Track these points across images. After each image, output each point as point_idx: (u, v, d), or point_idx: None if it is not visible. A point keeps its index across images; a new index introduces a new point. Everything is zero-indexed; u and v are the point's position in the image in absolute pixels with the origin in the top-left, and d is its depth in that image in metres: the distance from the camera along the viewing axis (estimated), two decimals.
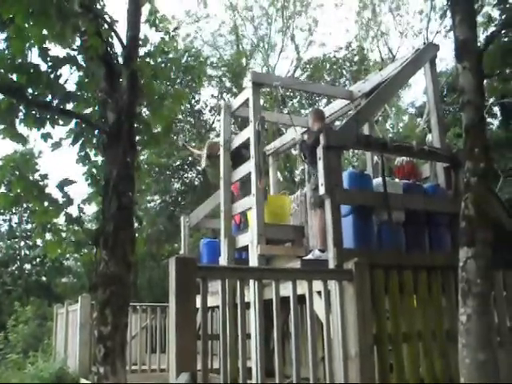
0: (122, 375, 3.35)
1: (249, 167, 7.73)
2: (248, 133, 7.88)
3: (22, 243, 23.57)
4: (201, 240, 10.60)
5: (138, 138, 4.27)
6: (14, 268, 24.02)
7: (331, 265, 5.47)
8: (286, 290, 4.85)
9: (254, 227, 7.23)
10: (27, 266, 24.03)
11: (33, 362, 10.67)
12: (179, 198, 22.89)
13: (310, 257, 6.73)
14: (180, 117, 21.39)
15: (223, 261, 7.96)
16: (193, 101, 21.79)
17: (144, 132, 4.24)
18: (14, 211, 22.80)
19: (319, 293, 5.18)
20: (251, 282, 6.05)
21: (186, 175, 23.40)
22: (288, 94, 19.21)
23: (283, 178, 20.96)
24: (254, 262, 7.10)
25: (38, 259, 22.32)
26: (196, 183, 23.25)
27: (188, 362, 4.12)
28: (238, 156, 8.36)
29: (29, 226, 22.97)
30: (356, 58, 23.19)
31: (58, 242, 3.88)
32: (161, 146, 4.34)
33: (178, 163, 21.99)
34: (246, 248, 7.59)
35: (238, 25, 24.90)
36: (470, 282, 3.78)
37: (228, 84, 22.16)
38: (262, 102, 22.03)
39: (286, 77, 20.22)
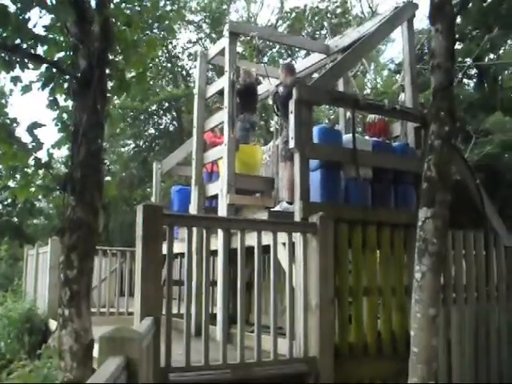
0: (87, 318, 3.44)
1: (222, 116, 7.76)
2: (223, 82, 7.88)
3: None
4: (172, 187, 10.65)
5: (110, 84, 4.25)
6: None
7: (297, 217, 5.58)
8: (252, 240, 4.95)
9: (224, 177, 7.32)
10: None
11: (2, 302, 10.74)
12: (153, 144, 22.78)
13: (277, 208, 6.85)
14: (156, 61, 21.09)
15: (193, 209, 8.06)
16: (170, 46, 21.47)
17: (116, 78, 4.22)
18: None
19: (284, 244, 5.31)
20: (219, 231, 6.21)
21: (160, 121, 23.24)
22: (267, 44, 18.99)
23: (259, 127, 20.95)
24: (222, 210, 7.21)
25: (9, 200, 22.11)
26: (170, 129, 23.11)
27: (152, 306, 4.24)
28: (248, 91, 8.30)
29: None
30: (338, 11, 22.93)
31: (26, 185, 3.90)
32: (132, 92, 4.32)
33: (153, 108, 21.78)
34: (216, 197, 7.69)
35: None
36: (427, 241, 3.92)
37: (207, 30, 21.81)
38: (240, 50, 21.87)
39: (265, 27, 20.00)
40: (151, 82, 21.72)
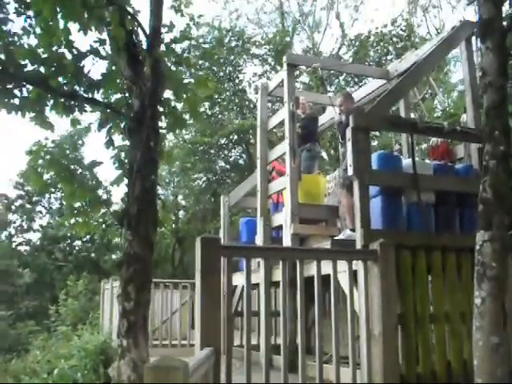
0: (144, 348, 3.54)
1: (283, 147, 7.86)
2: (283, 113, 8.00)
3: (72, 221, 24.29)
4: (241, 219, 10.80)
5: (165, 121, 4.43)
6: (65, 245, 24.84)
7: (358, 245, 5.55)
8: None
9: (287, 206, 7.37)
10: (77, 243, 24.80)
11: (80, 334, 11.14)
12: (223, 177, 23.16)
13: (340, 236, 6.82)
14: (223, 96, 21.55)
15: (259, 239, 8.13)
16: (236, 80, 21.90)
17: (170, 116, 4.39)
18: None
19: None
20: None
21: (230, 153, 23.62)
22: (333, 73, 19.04)
23: (329, 156, 20.91)
24: (287, 241, 7.24)
25: (87, 236, 23.00)
26: (240, 162, 23.45)
27: (212, 337, 4.29)
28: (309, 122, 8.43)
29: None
30: (404, 34, 22.74)
31: (84, 222, 4.09)
32: (185, 127, 4.49)
33: (222, 141, 22.20)
34: (281, 227, 7.73)
35: (283, 1, 24.79)
36: (486, 265, 3.80)
37: (272, 63, 22.15)
38: (307, 80, 22.03)
39: (325, 57, 20.07)
40: (219, 116, 22.22)
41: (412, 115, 9.91)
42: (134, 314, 3.54)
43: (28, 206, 26.37)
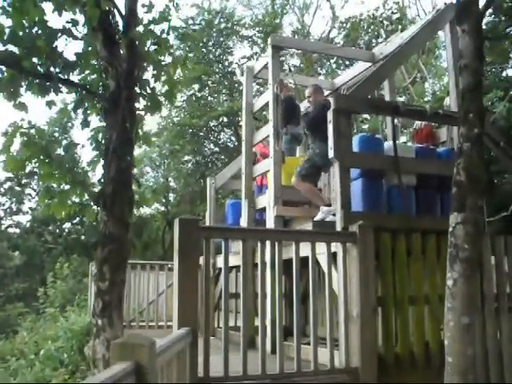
0: (119, 327, 3.58)
1: (267, 129, 7.86)
2: (267, 96, 7.99)
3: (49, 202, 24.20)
4: (227, 201, 10.83)
5: (143, 103, 4.42)
6: (54, 227, 24.82)
7: (338, 227, 5.57)
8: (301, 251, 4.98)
9: (271, 189, 7.39)
10: (67, 225, 24.77)
11: (67, 316, 11.18)
12: (212, 159, 23.14)
13: (319, 215, 6.85)
14: (212, 78, 21.48)
15: (244, 222, 8.16)
16: (226, 62, 21.80)
17: (148, 97, 4.38)
18: None
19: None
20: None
21: (219, 136, 23.58)
22: (323, 55, 18.96)
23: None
24: (270, 223, 7.27)
25: (77, 218, 22.98)
26: (229, 144, 23.40)
27: (189, 318, 4.33)
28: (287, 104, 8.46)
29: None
30: (394, 17, 22.64)
31: (62, 203, 4.10)
32: (161, 110, 4.48)
33: (212, 124, 22.15)
34: (265, 209, 7.76)
35: None
36: (458, 247, 3.85)
37: (262, 45, 22.02)
38: (297, 63, 21.94)
39: (308, 40, 19.96)
40: (209, 98, 22.13)
41: (400, 98, 9.93)
42: (109, 293, 3.57)
43: (17, 188, 26.28)
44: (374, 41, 22.10)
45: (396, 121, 7.70)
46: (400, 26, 21.51)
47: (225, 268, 4.72)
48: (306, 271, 5.09)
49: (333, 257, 5.19)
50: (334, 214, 6.45)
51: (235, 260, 5.71)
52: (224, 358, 4.44)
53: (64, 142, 4.50)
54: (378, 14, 22.13)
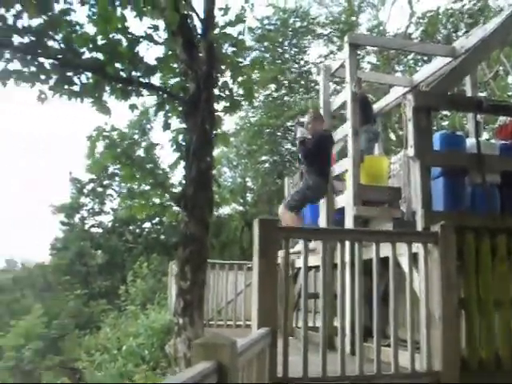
0: (200, 326, 3.63)
1: (345, 129, 7.78)
2: (345, 95, 7.91)
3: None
4: None
5: (223, 104, 4.48)
6: (134, 227, 25.52)
7: (419, 227, 5.45)
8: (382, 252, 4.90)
9: (349, 189, 7.31)
10: (147, 225, 25.41)
11: (148, 313, 11.48)
12: (289, 159, 23.14)
13: None
14: (288, 78, 21.49)
15: (322, 221, 8.11)
16: (302, 61, 21.78)
17: (227, 99, 4.43)
18: None
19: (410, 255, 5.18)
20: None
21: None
22: (400, 51, 18.58)
23: (396, 136, 20.49)
24: (349, 223, 7.19)
25: (156, 219, 23.54)
26: None
27: (268, 318, 4.34)
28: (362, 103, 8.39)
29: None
30: (476, 8, 21.86)
31: (142, 204, 4.21)
32: (240, 110, 4.53)
33: (288, 124, 22.16)
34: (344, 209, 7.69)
35: None
36: None
37: (338, 42, 21.84)
38: (374, 60, 21.59)
39: (385, 37, 19.56)
40: (285, 98, 22.15)
41: (481, 94, 9.59)
42: (190, 293, 3.63)
43: (99, 189, 27.18)
44: (453, 35, 21.46)
45: (478, 117, 7.46)
46: (482, 19, 20.79)
47: (304, 268, 4.70)
48: (385, 272, 5.00)
49: (413, 257, 5.07)
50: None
51: (313, 260, 5.68)
52: (303, 358, 4.42)
53: (143, 144, 4.63)
54: (458, 7, 21.44)
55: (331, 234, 5.33)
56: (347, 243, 4.85)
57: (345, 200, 7.44)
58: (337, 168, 8.25)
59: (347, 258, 6.29)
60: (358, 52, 13.70)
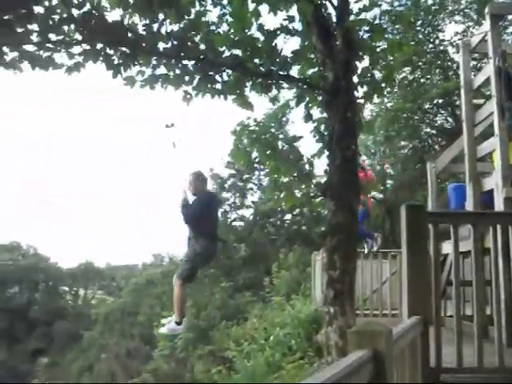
0: (351, 316, 3.62)
1: (490, 107, 7.39)
2: (488, 70, 7.51)
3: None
4: (448, 185, 10.44)
5: (363, 90, 4.43)
6: (275, 219, 25.92)
7: None
8: None
9: (498, 169, 6.95)
10: (288, 217, 25.71)
11: (292, 304, 11.63)
12: (429, 143, 22.36)
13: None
14: (423, 59, 20.72)
15: (469, 205, 7.79)
16: (437, 41, 20.90)
17: (368, 85, 4.37)
18: None
19: None
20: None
21: (435, 118, 22.69)
22: None
23: None
24: (499, 205, 6.84)
25: (297, 210, 23.74)
26: (446, 126, 22.40)
27: (419, 306, 4.23)
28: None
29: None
30: None
31: (289, 195, 4.26)
32: (382, 95, 4.45)
33: (426, 106, 21.41)
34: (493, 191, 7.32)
35: None
36: None
37: (475, 17, 20.69)
38: None
39: None
40: (421, 80, 21.39)
41: None
42: (340, 282, 3.63)
43: (240, 183, 27.90)
44: None
45: None
46: None
47: (455, 255, 4.53)
48: None
49: None
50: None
51: (461, 246, 5.45)
52: (457, 348, 4.27)
53: (281, 137, 4.69)
54: None
55: (482, 217, 5.09)
56: (498, 227, 4.58)
57: (493, 181, 7.08)
58: (484, 147, 7.89)
59: (499, 244, 5.99)
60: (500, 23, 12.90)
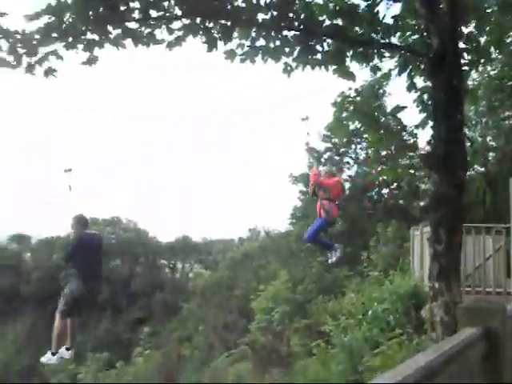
0: (457, 291, 3.49)
1: None
2: None
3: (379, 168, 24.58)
4: None
5: (467, 58, 4.21)
6: (373, 193, 25.43)
7: None
8: None
9: None
10: (385, 191, 25.15)
11: (391, 279, 11.43)
12: None
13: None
14: None
15: None
16: None
17: (473, 51, 4.15)
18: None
19: None
20: None
21: None
22: None
23: None
24: None
25: (394, 184, 23.17)
26: None
27: None
28: None
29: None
30: None
31: (391, 168, 4.14)
32: (490, 61, 4.21)
33: None
34: None
35: None
36: None
37: None
38: None
39: None
40: None
41: None
42: (445, 257, 3.50)
43: (336, 157, 27.54)
44: None
45: None
46: None
47: None
48: None
49: None
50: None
51: None
52: None
53: (383, 108, 4.56)
54: None
55: None
56: None
57: None
58: None
59: None
60: None
